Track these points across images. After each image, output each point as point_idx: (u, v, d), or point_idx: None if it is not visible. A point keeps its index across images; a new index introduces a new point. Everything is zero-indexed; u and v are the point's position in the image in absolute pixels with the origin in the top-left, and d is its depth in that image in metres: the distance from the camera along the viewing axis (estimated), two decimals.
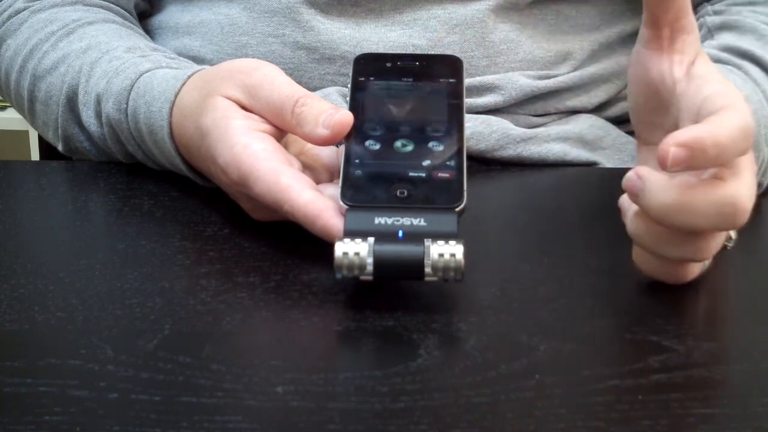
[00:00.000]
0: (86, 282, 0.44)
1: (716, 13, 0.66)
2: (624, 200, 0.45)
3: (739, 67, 0.57)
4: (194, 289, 0.44)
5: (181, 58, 0.62)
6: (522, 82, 0.65)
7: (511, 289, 0.44)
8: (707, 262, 0.45)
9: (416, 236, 0.41)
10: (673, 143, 0.39)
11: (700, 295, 0.45)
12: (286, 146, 0.50)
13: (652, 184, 0.41)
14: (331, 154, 0.50)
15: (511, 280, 0.45)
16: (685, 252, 0.42)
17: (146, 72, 0.57)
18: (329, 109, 0.47)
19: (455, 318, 0.41)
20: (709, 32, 0.64)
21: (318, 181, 0.48)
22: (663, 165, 0.39)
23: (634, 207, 0.43)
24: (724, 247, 0.44)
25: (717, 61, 0.59)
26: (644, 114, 0.48)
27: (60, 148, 0.64)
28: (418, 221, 0.42)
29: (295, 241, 0.47)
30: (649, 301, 0.44)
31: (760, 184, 0.56)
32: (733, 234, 0.45)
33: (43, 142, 0.90)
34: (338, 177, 0.45)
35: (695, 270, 0.44)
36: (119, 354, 0.38)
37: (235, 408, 0.34)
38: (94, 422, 0.34)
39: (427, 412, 0.34)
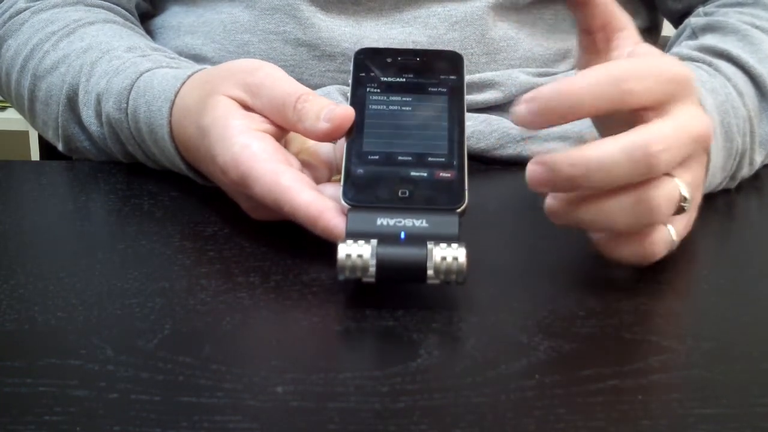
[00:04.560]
0: (86, 282, 0.44)
1: (706, 14, 0.66)
2: (552, 203, 0.44)
3: (710, 64, 0.57)
4: (194, 289, 0.44)
5: (181, 58, 0.62)
6: (522, 78, 0.65)
7: (511, 289, 0.44)
8: (674, 236, 0.45)
9: (418, 238, 0.41)
10: (521, 100, 0.42)
11: (700, 295, 0.45)
12: (285, 144, 0.50)
13: (557, 159, 0.42)
14: (330, 151, 0.50)
15: (511, 280, 0.45)
16: (634, 213, 0.42)
17: (146, 71, 0.57)
18: (330, 104, 0.47)
19: (455, 318, 0.41)
20: (693, 33, 0.64)
21: (317, 179, 0.48)
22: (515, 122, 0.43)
23: (563, 195, 0.44)
24: (681, 209, 0.44)
25: (688, 58, 0.59)
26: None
27: (60, 147, 0.64)
28: (420, 222, 0.42)
29: (295, 241, 0.47)
30: (649, 301, 0.44)
31: (734, 175, 0.56)
32: (686, 193, 0.44)
33: (43, 142, 0.90)
34: (337, 173, 0.45)
35: (659, 242, 0.44)
36: (119, 354, 0.38)
37: (235, 408, 0.34)
38: (94, 422, 0.34)
39: (427, 412, 0.34)
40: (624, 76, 0.42)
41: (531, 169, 0.42)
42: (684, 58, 0.59)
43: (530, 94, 0.42)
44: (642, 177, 0.42)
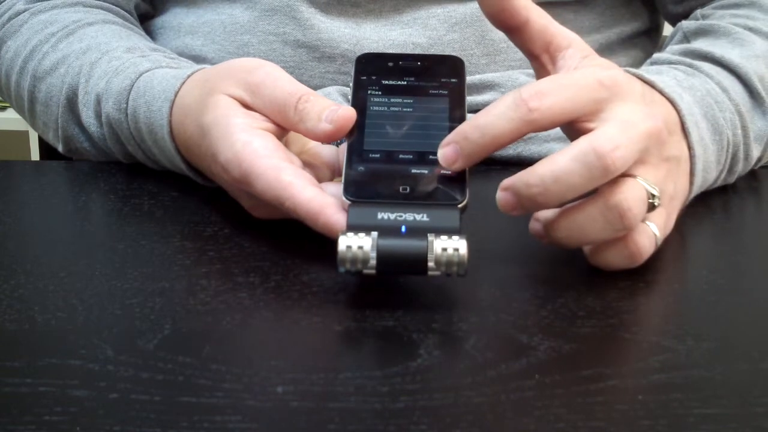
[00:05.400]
0: (86, 282, 0.44)
1: (703, 17, 0.66)
2: (532, 226, 0.46)
3: (689, 65, 0.57)
4: (194, 289, 0.44)
5: (181, 58, 0.62)
6: (522, 80, 0.65)
7: (511, 289, 0.44)
8: (656, 231, 0.45)
9: (419, 231, 0.41)
10: (443, 144, 0.44)
11: (700, 295, 0.45)
12: (286, 145, 0.50)
13: (516, 182, 0.42)
14: (332, 152, 0.51)
15: (511, 280, 0.45)
16: (606, 222, 0.43)
17: (146, 72, 0.57)
18: (332, 105, 0.47)
19: (455, 318, 0.41)
20: (685, 37, 0.64)
21: (319, 179, 0.48)
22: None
23: (541, 216, 0.45)
24: (652, 206, 0.44)
25: (667, 62, 0.59)
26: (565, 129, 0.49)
27: (60, 148, 0.64)
28: (421, 216, 0.42)
29: (295, 241, 0.47)
30: (648, 301, 0.44)
31: (731, 169, 0.56)
32: (652, 189, 0.44)
33: (43, 142, 0.90)
34: (339, 175, 0.45)
35: (642, 240, 0.44)
36: (119, 354, 0.38)
37: (235, 408, 0.34)
38: (94, 422, 0.33)
39: (427, 412, 0.34)
40: (528, 96, 0.42)
41: (498, 196, 0.43)
42: (663, 62, 0.59)
43: (449, 137, 0.43)
44: (601, 180, 0.42)
